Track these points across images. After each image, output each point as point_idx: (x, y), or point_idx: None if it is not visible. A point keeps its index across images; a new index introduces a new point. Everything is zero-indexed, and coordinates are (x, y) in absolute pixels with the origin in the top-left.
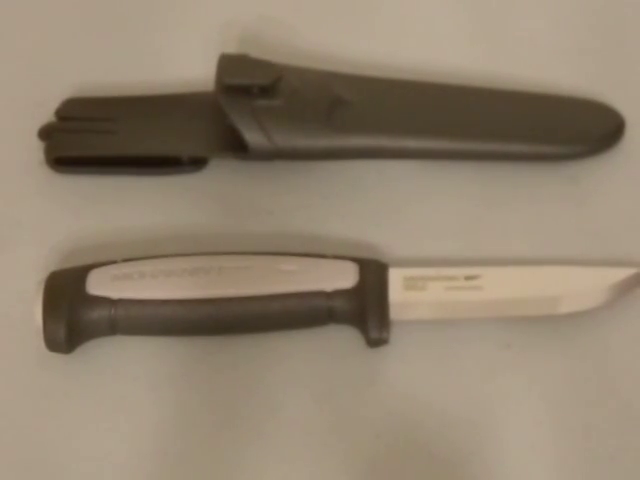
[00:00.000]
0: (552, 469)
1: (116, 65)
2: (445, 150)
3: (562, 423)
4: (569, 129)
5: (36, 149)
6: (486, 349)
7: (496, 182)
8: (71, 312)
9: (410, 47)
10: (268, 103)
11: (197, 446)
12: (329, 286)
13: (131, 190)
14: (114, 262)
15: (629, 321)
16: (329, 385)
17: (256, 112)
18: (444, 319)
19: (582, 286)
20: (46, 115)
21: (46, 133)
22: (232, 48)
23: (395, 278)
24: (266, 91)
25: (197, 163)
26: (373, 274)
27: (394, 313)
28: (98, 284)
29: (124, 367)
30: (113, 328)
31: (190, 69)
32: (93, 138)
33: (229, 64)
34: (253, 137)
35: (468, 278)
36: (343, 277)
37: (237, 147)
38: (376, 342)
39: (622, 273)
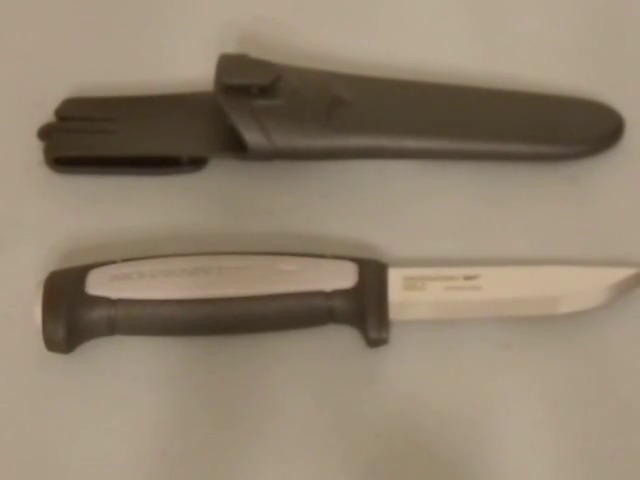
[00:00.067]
0: (552, 469)
1: (115, 65)
2: (445, 150)
3: (562, 423)
4: (569, 129)
5: (35, 149)
6: (486, 349)
7: (496, 182)
8: (70, 312)
9: (410, 47)
10: (267, 103)
11: (197, 446)
12: (328, 286)
13: (130, 190)
14: (113, 262)
15: (629, 321)
16: (329, 385)
17: (255, 112)
18: (443, 319)
19: (582, 286)
20: (45, 115)
21: (45, 133)
22: (231, 48)
23: (394, 278)
24: (265, 91)
25: (197, 163)
26: (372, 274)
27: (393, 313)
28: (97, 284)
29: (123, 367)
30: (112, 328)
31: (189, 69)
32: (92, 138)
33: (228, 64)
34: (252, 137)
35: (467, 278)
36: (342, 277)
37: (236, 147)
38: (376, 342)
39: (622, 273)
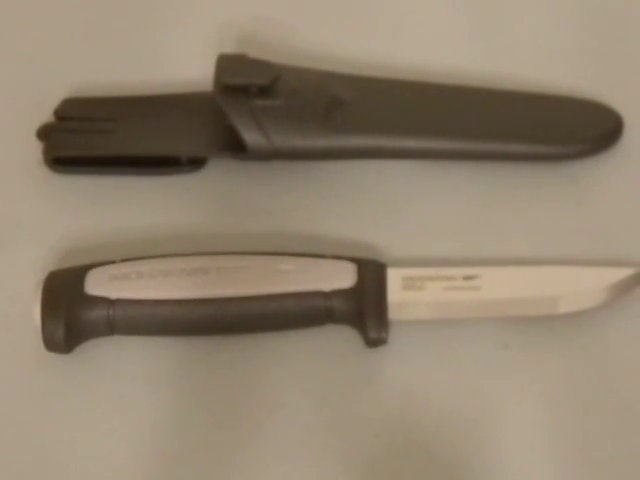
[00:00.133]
0: (551, 469)
1: (115, 65)
2: (444, 150)
3: (561, 423)
4: (568, 129)
5: (34, 149)
6: (485, 349)
7: (495, 182)
8: (69, 312)
9: (409, 47)
10: (266, 103)
11: (195, 446)
12: (327, 286)
13: (129, 190)
14: (112, 262)
15: (628, 321)
16: (328, 385)
17: (254, 112)
18: (443, 319)
19: (581, 286)
20: (45, 115)
21: (45, 133)
22: (230, 48)
23: (394, 278)
24: (264, 91)
25: (196, 163)
26: (372, 274)
27: (392, 313)
28: (96, 284)
29: (122, 367)
30: (111, 328)
31: (189, 69)
32: (91, 138)
33: (227, 64)
34: (252, 137)
35: (467, 278)
36: (342, 277)
37: (236, 147)
38: (375, 342)
39: (621, 273)
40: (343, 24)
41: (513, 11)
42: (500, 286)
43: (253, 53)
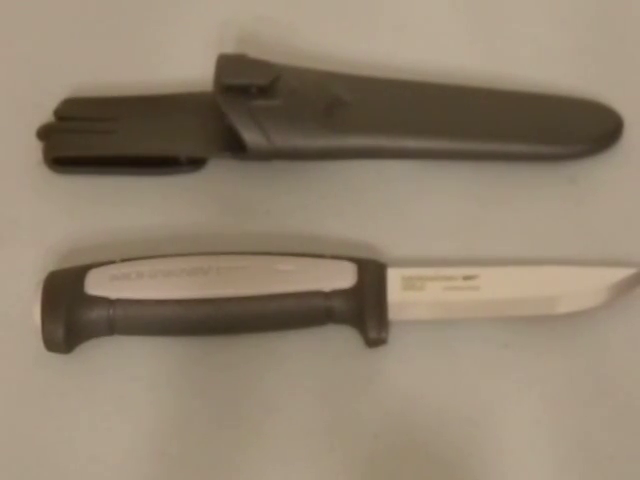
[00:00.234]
0: (551, 469)
1: (115, 65)
2: (444, 150)
3: (561, 423)
4: (568, 129)
5: (34, 149)
6: (485, 349)
7: (495, 182)
8: (69, 312)
9: (409, 47)
10: (266, 103)
11: (195, 446)
12: (327, 286)
13: (129, 190)
14: (112, 262)
15: (628, 321)
16: (328, 385)
17: (254, 112)
18: (442, 319)
19: (580, 286)
20: (44, 115)
21: (44, 133)
22: (230, 48)
23: (393, 278)
24: (264, 91)
25: (195, 163)
26: (371, 274)
27: (392, 313)
28: (96, 284)
29: (122, 367)
30: (111, 328)
31: (188, 69)
32: (91, 138)
33: (227, 64)
34: (251, 137)
35: (466, 278)
36: (341, 277)
37: (235, 147)
38: (375, 342)
39: (621, 273)
40: (343, 24)
41: (513, 11)
42: (500, 286)
43: (253, 53)
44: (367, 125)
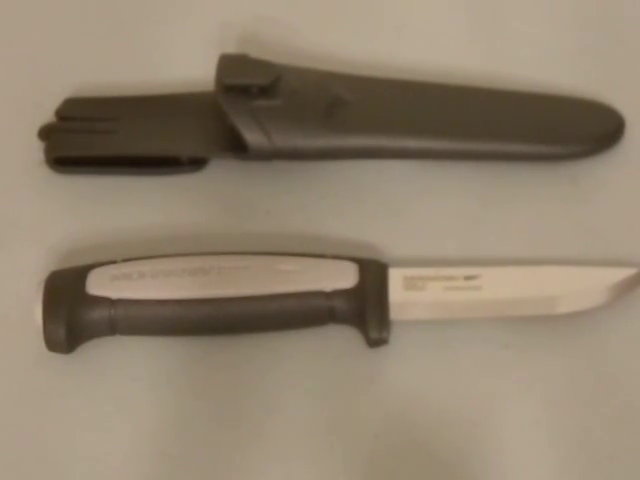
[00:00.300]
0: (551, 469)
1: (116, 65)
2: (445, 150)
3: (561, 423)
4: (569, 129)
5: (36, 149)
6: (486, 349)
7: (496, 182)
8: (71, 312)
9: (410, 47)
10: (267, 103)
11: (196, 446)
12: (329, 286)
13: (131, 190)
14: (114, 262)
15: (629, 321)
16: (328, 385)
17: (255, 112)
18: (444, 319)
19: (581, 286)
20: (46, 115)
21: (46, 133)
22: (232, 48)
23: (395, 278)
24: (265, 91)
25: (196, 163)
26: (373, 274)
27: (394, 313)
28: (98, 284)
29: (123, 367)
30: (113, 328)
31: (190, 69)
32: (93, 138)
33: (229, 64)
34: (253, 137)
35: (467, 278)
36: (343, 277)
37: (237, 147)
38: (376, 342)
39: (622, 273)
40: (344, 24)
41: (513, 11)
42: (501, 286)
43: (254, 53)
44: (367, 125)
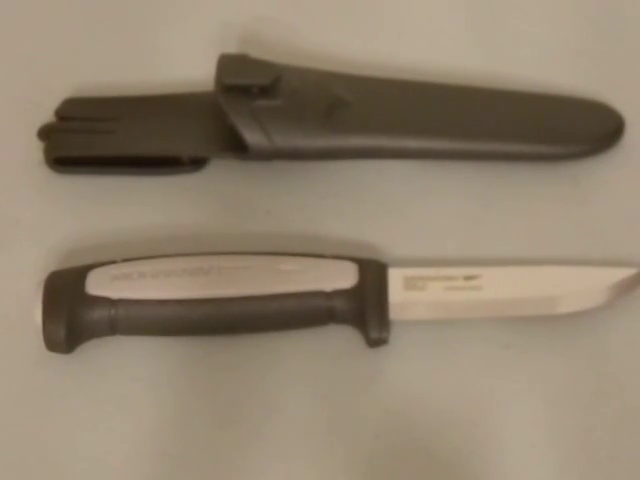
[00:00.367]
0: (552, 469)
1: (115, 65)
2: (445, 150)
3: (562, 423)
4: (569, 129)
5: (35, 149)
6: (486, 349)
7: (496, 182)
8: (71, 312)
9: (410, 47)
10: (268, 103)
11: (196, 446)
12: (329, 286)
13: (130, 190)
14: (114, 262)
15: (629, 321)
16: (328, 385)
17: (256, 112)
18: (444, 319)
19: (582, 286)
20: (46, 115)
21: (45, 133)
22: (232, 48)
23: (395, 278)
24: (266, 91)
25: (197, 163)
26: (373, 274)
27: (394, 313)
28: (98, 284)
29: (124, 367)
30: (113, 328)
31: (190, 69)
32: (92, 138)
33: (229, 64)
34: (253, 137)
35: (467, 278)
36: (343, 277)
37: (237, 147)
38: (376, 342)
39: (622, 273)
40: (344, 24)
41: (513, 11)
42: (501, 286)
43: (254, 53)
44: (368, 125)
